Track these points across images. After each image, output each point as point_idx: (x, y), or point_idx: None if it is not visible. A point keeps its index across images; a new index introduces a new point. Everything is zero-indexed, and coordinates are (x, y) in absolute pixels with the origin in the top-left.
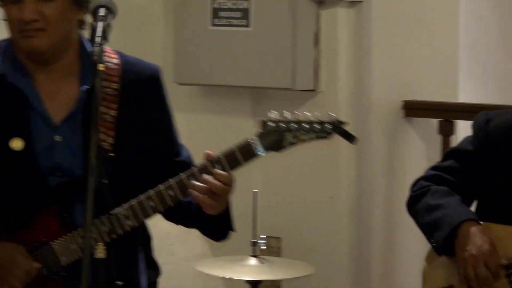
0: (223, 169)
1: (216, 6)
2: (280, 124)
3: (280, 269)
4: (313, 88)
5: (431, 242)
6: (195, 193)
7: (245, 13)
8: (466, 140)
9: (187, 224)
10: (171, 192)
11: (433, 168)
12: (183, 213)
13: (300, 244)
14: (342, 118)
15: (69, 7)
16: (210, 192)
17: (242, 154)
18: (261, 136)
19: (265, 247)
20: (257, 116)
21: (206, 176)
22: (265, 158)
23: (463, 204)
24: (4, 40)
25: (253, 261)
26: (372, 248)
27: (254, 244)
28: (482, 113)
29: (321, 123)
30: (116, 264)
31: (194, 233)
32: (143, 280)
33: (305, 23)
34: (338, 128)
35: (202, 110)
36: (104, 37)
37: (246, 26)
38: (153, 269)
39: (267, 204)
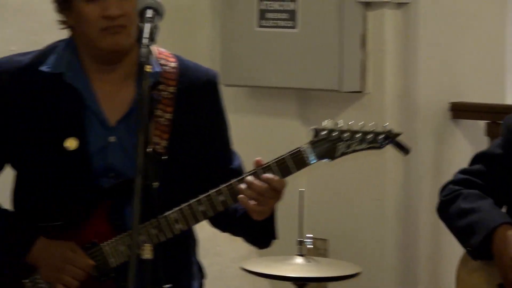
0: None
1: (263, 7)
2: (333, 133)
3: (326, 268)
4: (360, 90)
5: (465, 247)
6: (244, 198)
7: (292, 14)
8: (495, 143)
9: (232, 231)
10: (221, 198)
11: (462, 172)
12: (229, 220)
13: (347, 245)
14: (389, 120)
15: (136, 4)
16: (259, 196)
17: (294, 162)
18: (314, 145)
19: (312, 247)
20: (303, 117)
21: (257, 182)
22: None
23: (496, 207)
24: (61, 40)
25: (299, 260)
26: (419, 250)
27: (301, 243)
28: (510, 116)
29: (374, 133)
30: (166, 266)
31: None
32: (195, 285)
33: (352, 25)
34: (391, 139)
35: (248, 111)
36: (151, 38)
37: (293, 27)
38: (199, 272)
39: (313, 204)
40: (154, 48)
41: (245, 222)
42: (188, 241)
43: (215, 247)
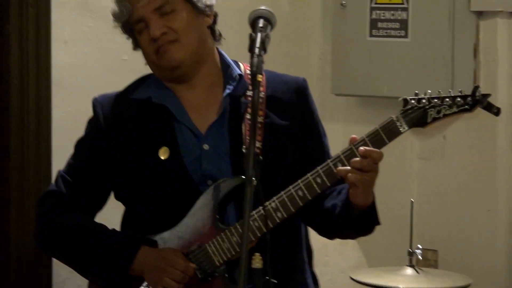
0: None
1: (374, 17)
2: (423, 100)
3: (436, 279)
4: None
5: None
6: (345, 172)
7: (403, 23)
8: None
9: (338, 232)
10: (318, 179)
11: None
12: (331, 220)
13: (457, 257)
14: (501, 131)
15: (191, 14)
16: (359, 171)
17: (385, 133)
18: (404, 114)
19: (421, 258)
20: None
21: (354, 159)
22: (421, 167)
23: None
24: (147, 74)
25: (409, 270)
26: None
27: (411, 254)
28: None
29: (463, 96)
30: (280, 277)
31: (350, 244)
32: None
33: (464, 34)
34: (481, 100)
35: (358, 121)
36: (263, 48)
37: (405, 37)
38: (313, 283)
39: (424, 215)
40: (242, 64)
41: (347, 214)
42: (304, 252)
43: (324, 257)
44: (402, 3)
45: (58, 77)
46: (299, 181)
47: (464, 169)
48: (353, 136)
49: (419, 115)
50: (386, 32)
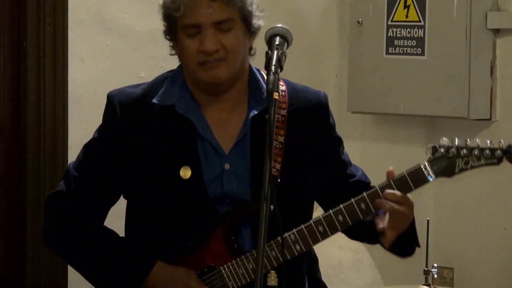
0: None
1: (391, 34)
2: (451, 150)
3: None
4: (488, 118)
5: None
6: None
7: (420, 41)
8: None
9: (372, 242)
10: (340, 218)
11: None
12: (367, 232)
13: (473, 274)
14: None
15: (244, 34)
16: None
17: (412, 180)
18: (432, 162)
19: (437, 277)
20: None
21: (378, 200)
22: (437, 185)
23: None
24: (170, 71)
25: None
26: None
27: (427, 272)
28: None
29: (492, 149)
30: None
31: (366, 262)
32: None
33: (481, 52)
34: (509, 155)
35: (374, 138)
36: (279, 65)
37: (421, 54)
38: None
39: (440, 233)
40: (264, 73)
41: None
42: (305, 264)
43: (340, 274)
44: (419, 21)
45: (75, 94)
46: (321, 215)
47: (480, 187)
48: (390, 169)
49: (447, 165)
50: (402, 50)
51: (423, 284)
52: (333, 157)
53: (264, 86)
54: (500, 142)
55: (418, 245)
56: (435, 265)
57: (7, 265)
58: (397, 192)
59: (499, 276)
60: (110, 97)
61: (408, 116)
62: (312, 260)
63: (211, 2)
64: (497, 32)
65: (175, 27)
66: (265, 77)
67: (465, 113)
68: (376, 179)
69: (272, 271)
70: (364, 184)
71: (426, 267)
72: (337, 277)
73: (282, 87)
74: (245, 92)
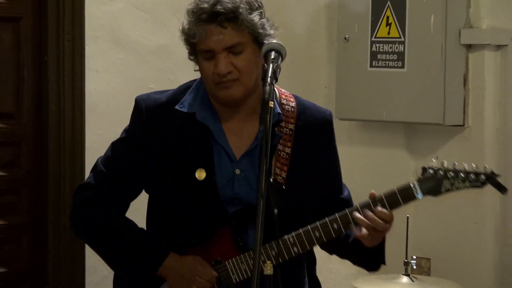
0: (384, 208)
1: (374, 49)
2: (439, 171)
3: (429, 286)
4: (461, 124)
5: None
6: (355, 227)
7: (400, 55)
8: None
9: (341, 254)
10: (335, 225)
11: None
12: (341, 245)
13: (448, 265)
14: (487, 152)
15: (255, 54)
16: (371, 227)
17: (402, 196)
18: (421, 181)
19: (416, 267)
20: (409, 149)
21: (369, 213)
22: None
23: None
24: (193, 80)
25: (405, 279)
26: None
27: (406, 264)
28: None
29: (476, 173)
30: (285, 282)
31: None
32: None
33: (455, 65)
34: (492, 179)
35: (360, 143)
36: (275, 77)
37: (401, 67)
38: (316, 286)
39: (418, 228)
40: (277, 89)
41: (357, 248)
42: (304, 261)
43: (328, 265)
44: (400, 37)
45: (91, 103)
46: (318, 222)
47: None
48: (372, 191)
49: (434, 185)
50: (384, 63)
51: (403, 274)
52: (332, 173)
53: (275, 102)
54: (485, 166)
55: (384, 262)
56: (414, 257)
57: (32, 256)
58: (386, 211)
59: (472, 266)
60: (138, 102)
61: (390, 122)
62: (312, 261)
63: (222, 29)
64: (469, 47)
65: (195, 50)
66: (277, 91)
67: (441, 119)
68: (361, 179)
69: (268, 261)
70: (350, 203)
71: (406, 258)
72: (326, 268)
73: (292, 103)
74: (258, 104)
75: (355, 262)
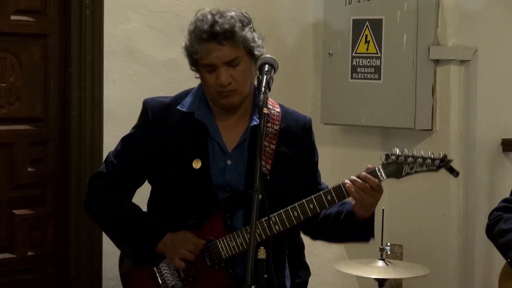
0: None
1: (354, 63)
2: (400, 157)
3: (402, 270)
4: (430, 128)
5: (506, 259)
6: (353, 188)
7: (377, 69)
8: None
9: (327, 237)
10: (311, 205)
11: (504, 200)
12: (329, 225)
13: (418, 251)
14: (452, 153)
15: (250, 64)
16: (359, 190)
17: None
18: (385, 166)
19: (390, 253)
20: (385, 150)
21: (355, 179)
22: (390, 182)
23: None
24: (192, 88)
25: (380, 263)
26: (476, 256)
27: (382, 250)
28: None
29: (432, 159)
30: (277, 266)
31: None
32: (288, 284)
33: (424, 77)
34: (445, 163)
35: (342, 145)
36: (268, 87)
37: (378, 79)
38: (305, 270)
39: (392, 219)
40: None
41: (349, 223)
42: (286, 250)
43: (314, 250)
44: (376, 53)
45: (109, 109)
46: (296, 204)
47: (424, 184)
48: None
49: (396, 169)
50: (363, 75)
51: (379, 259)
52: (311, 167)
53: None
54: (440, 153)
55: (373, 235)
56: (388, 244)
57: (56, 244)
58: (375, 179)
59: (439, 252)
60: (145, 103)
61: (368, 127)
62: (300, 246)
63: (221, 46)
64: (437, 62)
65: (197, 64)
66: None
67: (412, 124)
68: (343, 175)
69: (262, 247)
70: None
71: (382, 245)
72: (312, 252)
73: (277, 109)
74: (250, 106)
75: (347, 237)
